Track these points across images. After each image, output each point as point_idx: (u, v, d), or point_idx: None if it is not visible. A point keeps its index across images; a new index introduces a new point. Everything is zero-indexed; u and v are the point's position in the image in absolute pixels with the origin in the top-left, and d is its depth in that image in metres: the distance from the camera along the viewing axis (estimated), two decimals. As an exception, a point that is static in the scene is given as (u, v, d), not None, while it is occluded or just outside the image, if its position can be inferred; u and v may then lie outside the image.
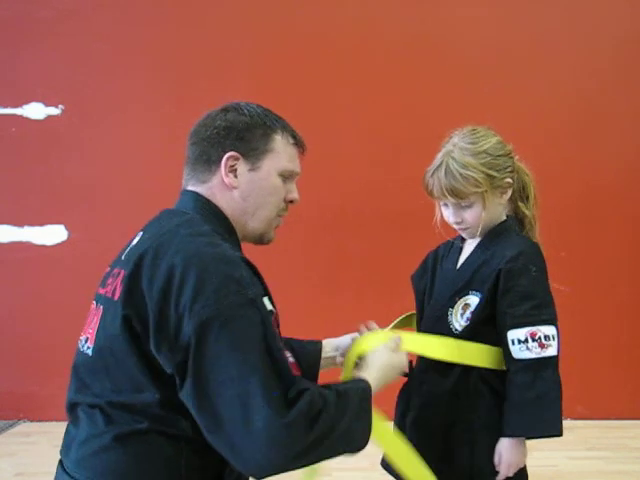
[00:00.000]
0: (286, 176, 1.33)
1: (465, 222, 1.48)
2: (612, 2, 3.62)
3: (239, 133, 1.27)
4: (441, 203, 1.52)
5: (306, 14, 3.62)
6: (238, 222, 1.29)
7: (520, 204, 1.55)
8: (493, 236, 1.50)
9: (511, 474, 1.42)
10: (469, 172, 1.42)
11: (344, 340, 1.59)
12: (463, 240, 1.58)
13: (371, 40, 3.60)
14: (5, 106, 3.63)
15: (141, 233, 1.25)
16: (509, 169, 1.48)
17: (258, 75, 3.58)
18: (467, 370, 1.44)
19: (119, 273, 1.18)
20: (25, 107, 3.63)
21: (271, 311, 1.16)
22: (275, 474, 1.08)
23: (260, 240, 1.33)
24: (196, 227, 1.18)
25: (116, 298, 1.15)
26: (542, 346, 1.38)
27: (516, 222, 1.55)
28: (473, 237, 1.53)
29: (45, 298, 3.60)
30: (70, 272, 3.50)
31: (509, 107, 3.55)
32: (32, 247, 3.61)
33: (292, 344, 1.51)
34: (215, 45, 3.61)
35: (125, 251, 1.24)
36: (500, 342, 1.42)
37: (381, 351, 1.39)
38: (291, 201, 1.36)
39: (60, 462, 1.22)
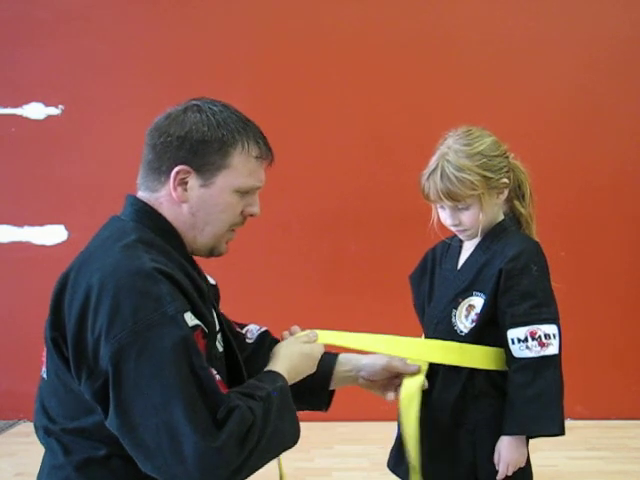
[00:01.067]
0: (244, 192, 1.22)
1: (463, 224, 1.48)
2: (611, 1, 3.61)
3: (193, 145, 1.16)
4: (438, 206, 1.51)
5: (306, 14, 3.62)
6: (186, 236, 1.21)
7: (516, 202, 1.55)
8: (493, 236, 1.50)
9: (510, 473, 1.41)
10: (465, 175, 1.41)
11: (372, 359, 1.47)
12: (461, 240, 1.57)
13: (371, 40, 3.60)
14: (5, 106, 3.63)
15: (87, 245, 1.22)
16: (505, 169, 1.47)
17: (258, 76, 3.58)
18: (474, 372, 1.44)
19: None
20: (25, 107, 3.63)
21: (196, 325, 1.08)
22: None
23: (210, 254, 1.25)
24: (123, 239, 1.11)
25: (47, 316, 1.12)
26: (542, 345, 1.38)
27: (514, 221, 1.55)
28: (471, 239, 1.52)
29: (45, 298, 3.57)
30: (70, 272, 3.49)
31: (508, 107, 3.54)
32: (32, 247, 3.61)
33: None
34: (215, 45, 3.61)
35: None
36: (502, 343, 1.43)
37: (289, 342, 1.36)
38: (251, 215, 1.26)
39: None
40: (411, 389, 1.41)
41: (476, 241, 1.52)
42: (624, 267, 3.62)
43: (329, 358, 1.47)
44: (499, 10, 3.61)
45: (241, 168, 1.20)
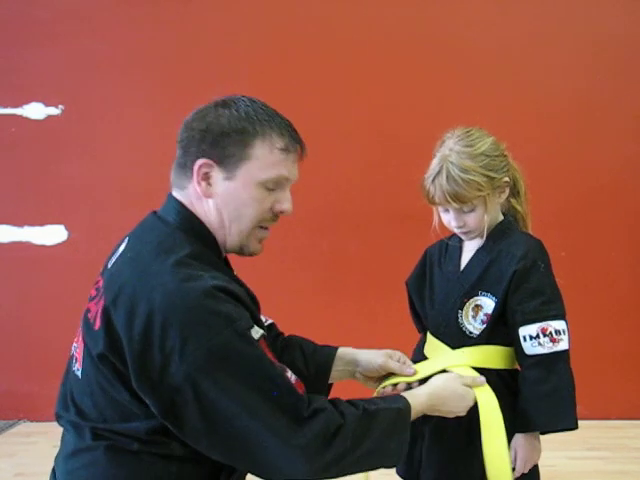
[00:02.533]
0: (270, 186, 1.19)
1: (467, 226, 1.47)
2: (611, 1, 3.61)
3: (215, 138, 1.16)
4: (441, 209, 1.50)
5: (306, 13, 3.62)
6: (218, 234, 1.20)
7: (512, 200, 1.55)
8: (496, 236, 1.49)
9: (527, 470, 1.42)
10: (470, 176, 1.40)
11: (370, 356, 1.46)
12: (460, 240, 1.56)
13: (373, 40, 3.60)
14: (5, 106, 3.63)
15: (127, 240, 1.20)
16: (505, 168, 1.47)
17: (258, 77, 3.58)
18: (486, 372, 1.43)
19: (102, 294, 1.13)
20: (25, 107, 3.63)
21: (262, 335, 1.12)
22: None
23: (240, 252, 1.24)
24: (176, 252, 1.10)
25: (96, 328, 1.11)
26: (554, 341, 1.39)
27: (514, 219, 1.55)
28: (475, 239, 1.51)
29: (45, 298, 3.59)
30: (70, 272, 3.50)
31: (510, 107, 3.54)
32: (32, 247, 3.61)
33: (303, 348, 1.47)
34: (215, 45, 3.61)
35: (111, 259, 1.20)
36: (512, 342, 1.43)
37: (451, 376, 1.35)
38: (281, 212, 1.23)
39: (53, 470, 1.22)
40: (489, 406, 1.36)
41: (478, 241, 1.51)
42: (624, 267, 3.62)
43: (329, 351, 1.48)
44: (502, 11, 3.61)
45: (264, 159, 1.18)
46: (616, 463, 2.98)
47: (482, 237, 1.49)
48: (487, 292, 1.45)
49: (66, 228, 3.60)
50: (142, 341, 1.03)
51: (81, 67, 3.61)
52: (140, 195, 3.43)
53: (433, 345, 1.52)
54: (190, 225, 1.18)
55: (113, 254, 1.21)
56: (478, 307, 1.46)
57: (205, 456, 1.10)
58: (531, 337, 1.39)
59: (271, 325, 1.51)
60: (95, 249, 3.28)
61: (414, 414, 1.22)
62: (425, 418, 1.49)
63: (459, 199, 1.42)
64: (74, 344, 1.22)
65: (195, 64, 3.59)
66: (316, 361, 1.44)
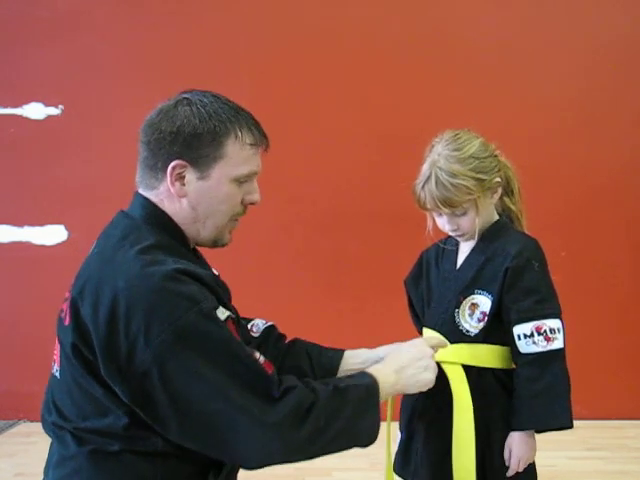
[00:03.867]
0: (242, 180, 1.22)
1: (461, 229, 1.48)
2: (611, 2, 3.62)
3: (186, 139, 1.17)
4: (435, 213, 1.50)
5: (305, 13, 3.62)
6: (190, 230, 1.22)
7: (505, 199, 1.55)
8: (491, 235, 1.50)
9: (521, 469, 1.42)
10: (459, 180, 1.40)
11: (377, 353, 1.45)
12: (457, 242, 1.57)
13: (372, 40, 3.60)
14: (5, 106, 3.63)
15: (95, 242, 1.23)
16: (496, 168, 1.47)
17: (259, 77, 3.58)
18: (481, 371, 1.45)
19: (70, 292, 1.15)
20: (25, 107, 3.63)
21: (228, 316, 1.12)
22: (280, 463, 1.11)
23: (214, 245, 1.26)
24: (140, 243, 1.12)
25: (66, 323, 1.12)
26: (548, 339, 1.39)
27: (509, 218, 1.56)
28: (469, 240, 1.52)
29: (45, 298, 3.59)
30: (70, 272, 3.48)
31: (509, 108, 3.54)
32: (32, 247, 3.61)
33: (309, 351, 1.46)
34: (216, 45, 3.61)
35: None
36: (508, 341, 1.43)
37: (406, 350, 1.34)
38: (251, 203, 1.26)
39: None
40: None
41: (473, 241, 1.52)
42: (624, 267, 3.62)
43: (334, 353, 1.48)
44: (502, 11, 3.61)
45: (236, 157, 1.20)
46: (616, 463, 2.98)
47: (474, 238, 1.49)
48: (483, 290, 1.46)
49: (66, 228, 3.60)
50: (108, 328, 1.04)
51: (81, 67, 3.61)
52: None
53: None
54: (156, 219, 1.20)
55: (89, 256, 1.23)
56: (474, 305, 1.47)
57: (189, 452, 1.10)
58: (525, 335, 1.39)
59: (271, 327, 1.50)
60: (95, 249, 3.27)
61: (381, 388, 1.21)
62: (421, 415, 1.51)
63: (449, 204, 1.42)
64: (54, 356, 1.23)
65: (195, 64, 3.59)
66: (323, 364, 1.44)
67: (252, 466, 1.10)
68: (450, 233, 1.52)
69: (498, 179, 1.47)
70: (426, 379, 1.30)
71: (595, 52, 3.60)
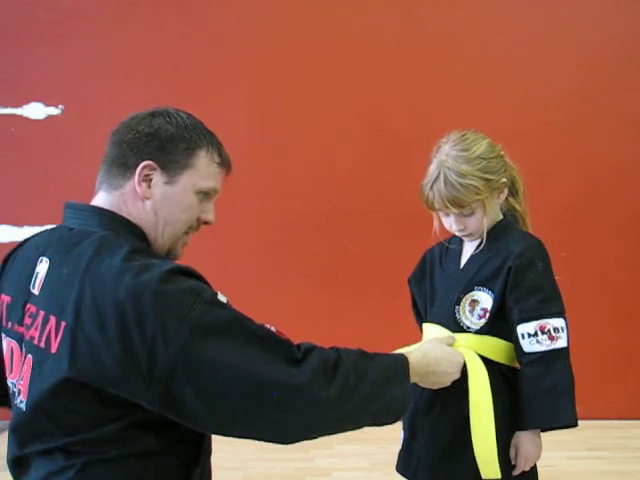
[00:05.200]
0: (204, 194, 1.24)
1: (468, 229, 1.49)
2: (611, 2, 3.62)
3: (161, 143, 1.20)
4: (442, 213, 1.51)
5: (305, 14, 3.62)
6: (150, 235, 1.22)
7: (510, 199, 1.56)
8: (496, 235, 1.51)
9: (527, 468, 1.43)
10: (468, 180, 1.41)
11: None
12: (461, 241, 1.57)
13: (373, 40, 3.60)
14: (5, 106, 3.63)
15: (46, 260, 1.17)
16: (503, 169, 1.48)
17: (259, 77, 3.58)
18: (487, 364, 1.44)
19: (46, 317, 1.09)
20: (25, 107, 3.63)
21: (227, 301, 1.15)
22: (318, 433, 1.12)
23: (167, 257, 1.25)
24: (118, 252, 1.10)
25: (53, 351, 1.06)
26: (552, 338, 1.39)
27: (514, 218, 1.56)
28: (476, 240, 1.52)
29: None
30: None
31: (510, 108, 3.55)
32: (32, 247, 3.61)
33: None
34: (216, 45, 3.61)
35: (33, 281, 1.16)
36: (512, 338, 1.44)
37: (434, 341, 1.41)
38: (206, 222, 1.28)
39: None
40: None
41: (478, 241, 1.52)
42: (625, 267, 3.62)
43: None
44: (501, 11, 3.61)
45: (204, 170, 1.23)
46: (616, 463, 2.98)
47: (482, 238, 1.50)
48: (483, 287, 1.47)
49: (66, 228, 3.59)
50: (122, 341, 1.03)
51: (81, 67, 3.62)
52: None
53: (432, 332, 1.54)
54: (118, 225, 1.20)
55: (32, 274, 1.18)
56: (475, 302, 1.47)
57: (176, 447, 1.12)
58: (529, 335, 1.40)
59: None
60: (95, 249, 3.26)
61: (411, 369, 1.24)
62: (424, 412, 1.51)
63: (458, 204, 1.43)
64: (10, 381, 1.17)
65: (195, 64, 3.59)
66: None
67: (292, 439, 1.12)
68: (457, 233, 1.52)
69: (504, 179, 1.48)
70: (452, 374, 1.37)
71: (594, 52, 3.60)
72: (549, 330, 1.39)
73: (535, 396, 1.39)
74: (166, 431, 1.11)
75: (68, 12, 3.60)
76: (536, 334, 1.39)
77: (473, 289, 1.48)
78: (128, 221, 1.21)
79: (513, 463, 1.43)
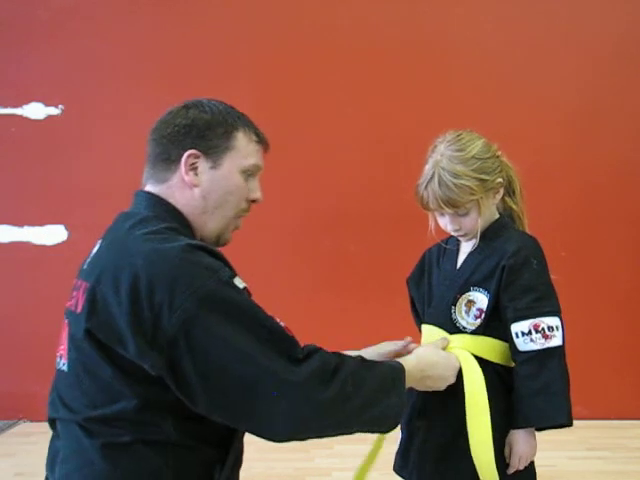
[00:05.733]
0: (249, 173, 1.30)
1: (463, 229, 1.49)
2: (612, 2, 3.62)
3: (200, 131, 1.25)
4: (437, 213, 1.51)
5: (305, 14, 3.62)
6: (197, 222, 1.27)
7: (507, 199, 1.55)
8: (492, 234, 1.51)
9: (521, 467, 1.42)
10: (462, 181, 1.41)
11: (384, 347, 1.51)
12: (458, 241, 1.57)
13: (373, 41, 3.60)
14: (5, 106, 3.63)
15: (100, 241, 1.26)
16: (498, 169, 1.48)
17: (260, 77, 3.58)
18: (482, 364, 1.44)
19: (81, 285, 1.18)
20: (25, 107, 3.63)
21: (245, 287, 1.16)
22: (308, 434, 1.12)
23: (217, 242, 1.30)
24: (150, 226, 1.17)
25: (79, 311, 1.14)
26: (546, 337, 1.39)
27: (510, 218, 1.56)
28: (471, 240, 1.53)
29: (45, 298, 3.59)
30: (70, 272, 3.49)
31: (510, 108, 3.55)
32: (32, 247, 3.61)
33: None
34: (216, 45, 3.61)
35: (86, 261, 1.25)
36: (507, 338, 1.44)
37: (429, 346, 1.41)
38: (254, 200, 1.33)
39: (46, 478, 1.21)
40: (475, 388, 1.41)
41: (474, 241, 1.52)
42: (625, 267, 3.62)
43: None
44: (501, 11, 3.61)
45: (244, 149, 1.28)
46: (616, 463, 2.98)
47: (476, 238, 1.50)
48: (479, 287, 1.47)
49: (66, 228, 3.60)
50: (131, 304, 1.07)
51: (81, 67, 3.62)
52: (140, 195, 3.43)
53: (430, 334, 1.54)
54: (162, 211, 1.24)
55: (88, 256, 1.26)
56: (471, 302, 1.47)
57: (198, 442, 1.12)
58: (523, 333, 1.40)
59: None
60: (95, 249, 3.27)
61: (407, 375, 1.25)
62: (422, 412, 1.51)
63: (452, 204, 1.43)
64: (57, 353, 1.24)
65: (196, 64, 3.60)
66: None
67: (281, 437, 1.12)
68: (452, 233, 1.52)
69: (500, 179, 1.48)
70: (448, 378, 1.38)
71: (594, 52, 3.60)
72: (543, 329, 1.39)
73: (528, 395, 1.39)
74: (186, 423, 1.12)
75: (68, 12, 3.60)
76: (530, 333, 1.39)
77: (469, 289, 1.48)
78: (173, 207, 1.25)
79: (508, 462, 1.42)
